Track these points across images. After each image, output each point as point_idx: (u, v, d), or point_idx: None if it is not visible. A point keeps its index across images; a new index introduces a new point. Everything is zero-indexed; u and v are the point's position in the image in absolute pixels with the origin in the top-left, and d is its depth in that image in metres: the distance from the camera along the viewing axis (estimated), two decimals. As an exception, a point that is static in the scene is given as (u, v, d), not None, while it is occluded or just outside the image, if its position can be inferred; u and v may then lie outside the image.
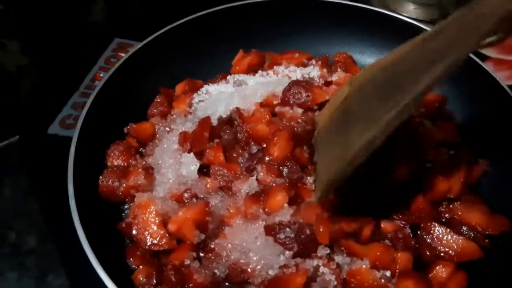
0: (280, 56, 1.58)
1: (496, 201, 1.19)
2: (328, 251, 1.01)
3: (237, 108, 1.27)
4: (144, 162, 1.23)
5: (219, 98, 1.33)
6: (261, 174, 1.13)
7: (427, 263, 1.09)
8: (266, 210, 1.05)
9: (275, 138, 1.15)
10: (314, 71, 1.45)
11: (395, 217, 1.16)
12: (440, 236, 1.07)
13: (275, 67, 1.50)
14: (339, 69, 1.48)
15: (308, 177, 1.13)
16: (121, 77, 1.41)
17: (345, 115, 0.95)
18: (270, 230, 1.00)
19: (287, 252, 1.00)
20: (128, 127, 1.34)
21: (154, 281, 1.02)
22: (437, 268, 1.04)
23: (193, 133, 1.24)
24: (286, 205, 1.05)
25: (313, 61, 1.51)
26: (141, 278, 1.03)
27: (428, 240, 1.08)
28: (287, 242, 0.99)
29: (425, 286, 0.98)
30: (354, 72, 1.46)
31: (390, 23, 1.56)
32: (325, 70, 1.45)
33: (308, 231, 0.99)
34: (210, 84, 1.48)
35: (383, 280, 0.96)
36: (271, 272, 0.98)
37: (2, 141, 1.69)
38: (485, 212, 1.12)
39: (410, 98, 0.82)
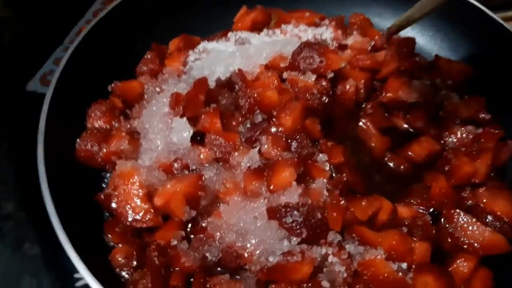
0: (289, 14, 1.40)
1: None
2: (339, 238, 0.87)
3: (239, 70, 1.11)
4: (129, 126, 1.07)
5: (218, 57, 1.16)
6: (266, 146, 0.98)
7: (446, 254, 0.97)
8: (271, 187, 0.91)
9: (287, 108, 0.99)
10: (327, 33, 1.28)
11: (413, 201, 1.02)
12: (465, 225, 0.95)
13: (283, 25, 1.32)
14: (355, 32, 1.31)
15: (320, 154, 0.98)
16: (107, 29, 1.24)
17: None
18: (275, 213, 0.86)
19: (292, 238, 0.85)
20: (113, 85, 1.17)
21: (135, 263, 0.88)
22: (458, 261, 0.92)
23: (187, 95, 1.08)
24: (294, 183, 0.90)
25: (326, 21, 1.33)
26: (120, 259, 0.89)
27: (451, 230, 0.96)
28: (295, 227, 0.85)
29: (446, 282, 0.85)
30: (372, 36, 1.29)
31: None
32: (339, 32, 1.28)
33: (319, 215, 0.85)
34: (208, 41, 1.30)
35: (400, 274, 0.82)
36: (272, 259, 0.84)
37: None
38: (509, 200, 0.99)
39: None
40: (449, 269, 0.92)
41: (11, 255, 1.15)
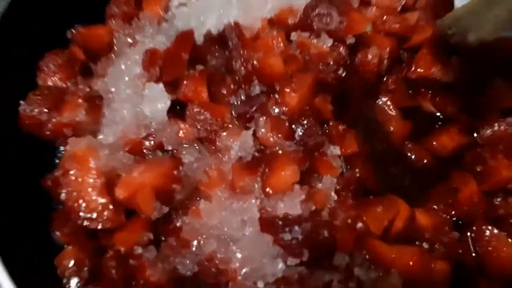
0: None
1: None
2: (347, 260, 0.69)
3: (236, 23, 0.89)
4: (88, 89, 0.83)
5: (210, 4, 0.92)
6: (263, 130, 0.78)
7: (466, 272, 0.81)
8: (267, 190, 0.71)
9: (294, 81, 0.77)
10: (349, -17, 1.02)
11: (435, 207, 0.85)
12: (497, 245, 0.79)
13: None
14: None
15: (331, 146, 0.77)
16: None
17: None
18: (269, 226, 0.68)
19: (289, 258, 0.67)
20: (74, 30, 0.92)
21: (86, 274, 0.69)
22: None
23: (166, 53, 0.85)
24: (296, 186, 0.70)
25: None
26: (68, 265, 0.70)
27: (478, 248, 0.80)
28: (294, 246, 0.66)
29: None
30: (403, -9, 1.04)
31: None
32: (363, -17, 1.02)
33: (325, 233, 0.66)
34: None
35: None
36: (261, 286, 0.66)
37: None
38: None
39: None
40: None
41: None
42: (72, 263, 0.71)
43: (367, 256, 0.72)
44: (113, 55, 0.92)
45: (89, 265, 0.71)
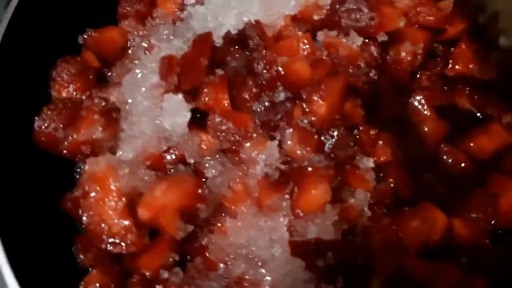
0: None
1: None
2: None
3: (257, 21, 0.84)
4: (104, 103, 0.79)
5: (227, 2, 0.85)
6: (289, 142, 0.73)
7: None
8: (296, 211, 0.68)
9: (322, 88, 0.73)
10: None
11: (473, 215, 0.80)
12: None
13: None
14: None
15: (364, 158, 0.72)
16: None
17: None
18: (301, 250, 0.64)
19: (322, 284, 0.64)
20: (85, 35, 0.88)
21: (113, 299, 0.68)
22: None
23: (184, 59, 0.81)
24: (328, 206, 0.66)
25: None
26: (94, 288, 0.69)
27: None
28: (327, 272, 0.63)
29: None
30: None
31: None
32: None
33: (360, 259, 0.63)
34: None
35: None
36: (292, 312, 0.64)
37: None
38: None
39: None
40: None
41: None
42: (97, 286, 0.69)
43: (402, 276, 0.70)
44: (128, 61, 0.87)
45: None
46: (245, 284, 0.68)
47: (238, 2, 0.86)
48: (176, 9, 0.93)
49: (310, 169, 0.70)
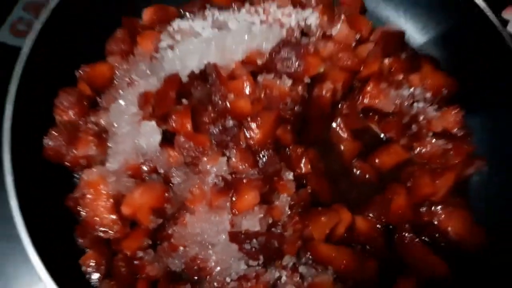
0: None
1: (482, 199, 1.13)
2: (294, 261, 0.94)
3: (214, 64, 1.06)
4: (95, 127, 1.04)
5: (192, 47, 1.10)
6: (233, 159, 0.99)
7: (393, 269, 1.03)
8: (233, 211, 0.94)
9: (259, 119, 0.98)
10: (312, 17, 1.20)
11: (371, 215, 1.07)
12: (413, 249, 1.02)
13: (266, 3, 1.22)
14: (342, 17, 1.21)
15: (287, 172, 0.99)
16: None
17: None
18: (236, 238, 0.91)
19: (250, 260, 0.92)
20: (81, 71, 1.11)
21: (103, 271, 0.94)
22: (403, 279, 1.00)
23: (157, 93, 1.04)
24: (256, 207, 0.93)
25: (313, 2, 1.23)
26: (89, 264, 0.95)
27: (400, 250, 1.03)
28: (253, 253, 0.90)
29: None
30: (359, 27, 1.21)
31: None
32: (325, 18, 1.20)
33: (276, 244, 0.90)
34: (185, 15, 1.22)
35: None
36: (228, 280, 0.91)
37: None
38: (466, 222, 1.05)
39: None
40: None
41: None
42: (93, 263, 0.95)
43: (310, 257, 0.96)
44: (114, 90, 1.11)
45: (105, 265, 0.95)
46: (198, 261, 0.93)
47: (200, 49, 1.08)
48: (152, 50, 1.15)
49: (245, 180, 0.97)
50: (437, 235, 1.06)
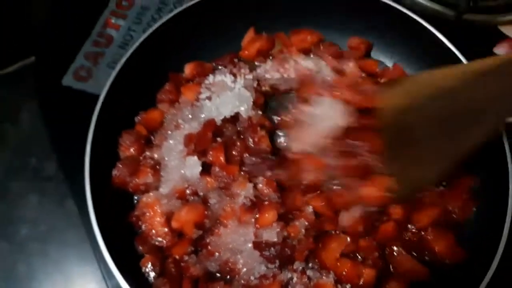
0: (290, 38, 1.58)
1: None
2: (303, 266, 1.20)
3: (239, 113, 1.38)
4: (151, 161, 1.34)
5: (225, 100, 1.40)
6: (260, 185, 1.23)
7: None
8: (257, 225, 1.21)
9: None
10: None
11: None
12: (400, 258, 1.22)
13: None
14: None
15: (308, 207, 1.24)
16: (139, 58, 1.44)
17: (409, 131, 0.91)
18: (258, 246, 1.19)
19: (268, 264, 1.20)
20: (139, 116, 1.42)
21: (158, 271, 1.23)
22: (391, 282, 1.20)
23: (198, 134, 1.33)
24: (275, 223, 1.20)
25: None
26: (148, 266, 1.24)
27: (391, 260, 1.22)
28: (270, 258, 1.17)
29: None
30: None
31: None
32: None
33: (288, 252, 1.18)
34: (217, 69, 1.53)
35: (341, 296, 1.16)
36: (252, 278, 1.19)
37: (16, 62, 1.71)
38: (450, 243, 1.18)
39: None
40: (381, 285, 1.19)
41: (56, 212, 1.40)
42: (150, 265, 1.17)
43: (317, 264, 1.21)
44: (164, 131, 1.40)
45: (159, 266, 1.20)
46: (229, 264, 1.18)
47: (232, 101, 1.39)
48: (194, 99, 1.44)
49: (267, 202, 1.26)
50: (426, 252, 1.19)
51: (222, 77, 1.47)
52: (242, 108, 1.37)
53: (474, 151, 0.93)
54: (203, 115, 1.39)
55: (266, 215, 1.20)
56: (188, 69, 1.54)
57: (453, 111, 0.87)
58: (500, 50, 1.58)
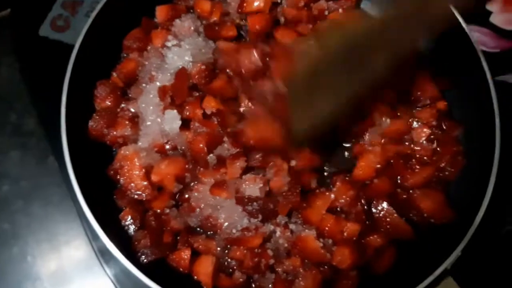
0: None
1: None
2: (286, 220, 1.19)
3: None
4: (128, 113, 1.29)
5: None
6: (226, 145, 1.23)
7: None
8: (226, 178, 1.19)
9: None
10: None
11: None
12: (386, 214, 1.19)
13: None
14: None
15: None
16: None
17: (314, 77, 0.93)
18: (241, 201, 1.17)
19: (251, 218, 1.18)
20: (117, 70, 1.35)
21: (138, 224, 1.21)
22: (372, 237, 1.19)
23: (172, 86, 1.26)
24: (258, 179, 1.18)
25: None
26: (128, 219, 1.22)
27: (375, 215, 1.19)
28: (253, 212, 1.16)
29: (359, 255, 1.15)
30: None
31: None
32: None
33: (271, 206, 1.16)
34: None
35: (322, 250, 1.14)
36: (234, 231, 1.18)
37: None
38: (439, 202, 1.17)
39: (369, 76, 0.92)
40: (363, 240, 1.18)
41: (38, 168, 1.37)
42: (129, 218, 1.17)
43: (300, 219, 1.21)
44: (139, 84, 1.33)
45: (139, 219, 1.18)
46: (211, 219, 1.18)
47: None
48: (161, 46, 1.33)
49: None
50: (414, 211, 1.18)
51: (189, 23, 1.37)
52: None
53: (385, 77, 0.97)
54: (172, 64, 1.30)
55: (234, 165, 1.16)
56: (160, 11, 1.42)
57: (356, 54, 0.92)
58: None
